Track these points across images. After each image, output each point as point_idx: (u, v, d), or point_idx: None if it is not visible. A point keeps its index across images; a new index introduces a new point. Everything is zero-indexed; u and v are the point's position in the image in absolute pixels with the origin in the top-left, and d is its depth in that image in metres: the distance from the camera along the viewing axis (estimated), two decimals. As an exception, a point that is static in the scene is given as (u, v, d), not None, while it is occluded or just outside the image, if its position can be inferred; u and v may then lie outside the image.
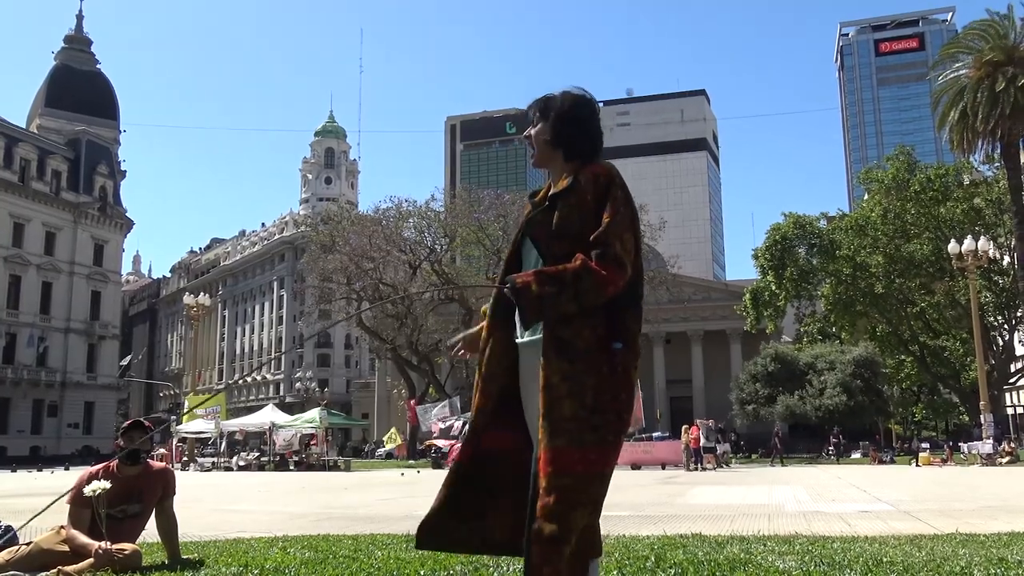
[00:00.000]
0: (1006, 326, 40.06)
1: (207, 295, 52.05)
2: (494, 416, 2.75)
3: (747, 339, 51.48)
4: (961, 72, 31.14)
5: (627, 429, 2.65)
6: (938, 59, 36.18)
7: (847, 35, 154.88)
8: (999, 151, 31.04)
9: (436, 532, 2.77)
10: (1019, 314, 39.29)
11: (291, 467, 31.60)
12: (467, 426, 2.85)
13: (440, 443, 33.49)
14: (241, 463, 33.21)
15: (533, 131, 2.84)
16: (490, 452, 2.74)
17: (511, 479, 2.72)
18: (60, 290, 63.05)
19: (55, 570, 4.28)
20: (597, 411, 2.51)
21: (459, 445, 28.43)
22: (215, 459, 35.10)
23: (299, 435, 35.00)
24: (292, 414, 42.03)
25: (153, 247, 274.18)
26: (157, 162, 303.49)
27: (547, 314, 2.57)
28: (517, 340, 2.78)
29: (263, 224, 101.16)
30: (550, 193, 2.78)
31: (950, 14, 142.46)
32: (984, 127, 29.29)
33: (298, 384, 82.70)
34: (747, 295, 42.72)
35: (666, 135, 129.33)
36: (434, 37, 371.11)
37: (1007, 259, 37.40)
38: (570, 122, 2.79)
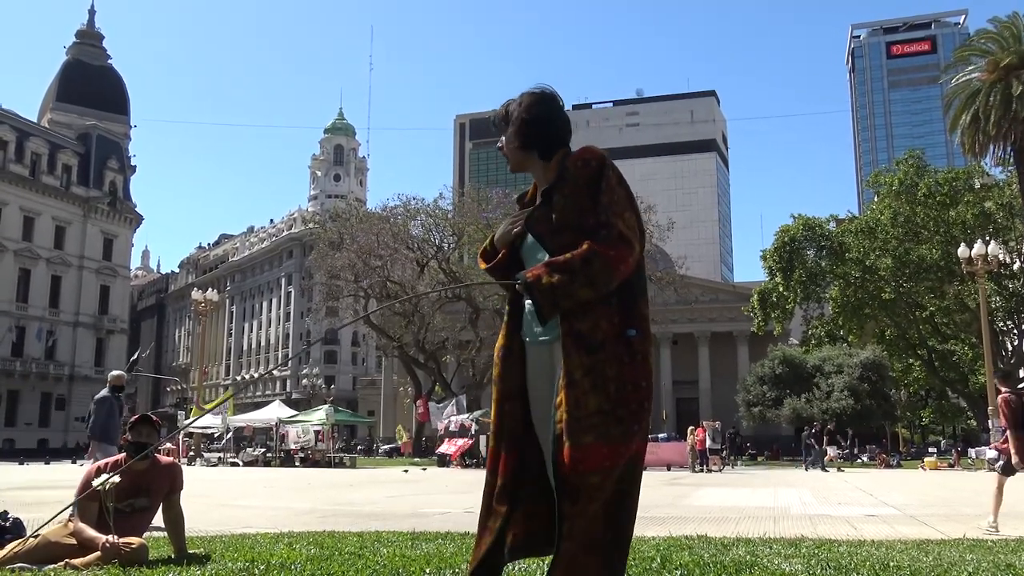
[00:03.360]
0: (1015, 331, 39.86)
1: (215, 291, 52.22)
2: (518, 428, 2.74)
3: (754, 341, 51.37)
4: (973, 75, 30.96)
5: (649, 416, 2.63)
6: (951, 62, 36.00)
7: (858, 37, 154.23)
8: (1011, 155, 30.88)
9: (491, 568, 2.71)
10: (1029, 319, 39.09)
11: (297, 463, 31.69)
12: (492, 441, 2.83)
13: (445, 447, 33.27)
14: (247, 459, 33.32)
15: (503, 139, 2.84)
16: (516, 463, 2.72)
17: (526, 483, 2.71)
18: (69, 284, 63.34)
19: (62, 563, 4.30)
20: (621, 403, 2.51)
21: (468, 443, 27.95)
22: (221, 454, 35.23)
23: (311, 432, 35.04)
24: (299, 410, 42.19)
25: (162, 242, 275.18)
26: (167, 157, 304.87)
27: (562, 304, 2.55)
28: (525, 340, 2.77)
29: (271, 220, 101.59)
30: (543, 188, 2.78)
31: (962, 17, 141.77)
32: (996, 131, 29.12)
33: (305, 381, 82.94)
34: (755, 297, 42.64)
35: (675, 136, 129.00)
36: (443, 36, 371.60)
37: (1017, 263, 37.21)
38: (533, 123, 2.79)
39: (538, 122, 2.78)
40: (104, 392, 9.72)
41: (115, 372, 10.07)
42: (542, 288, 2.53)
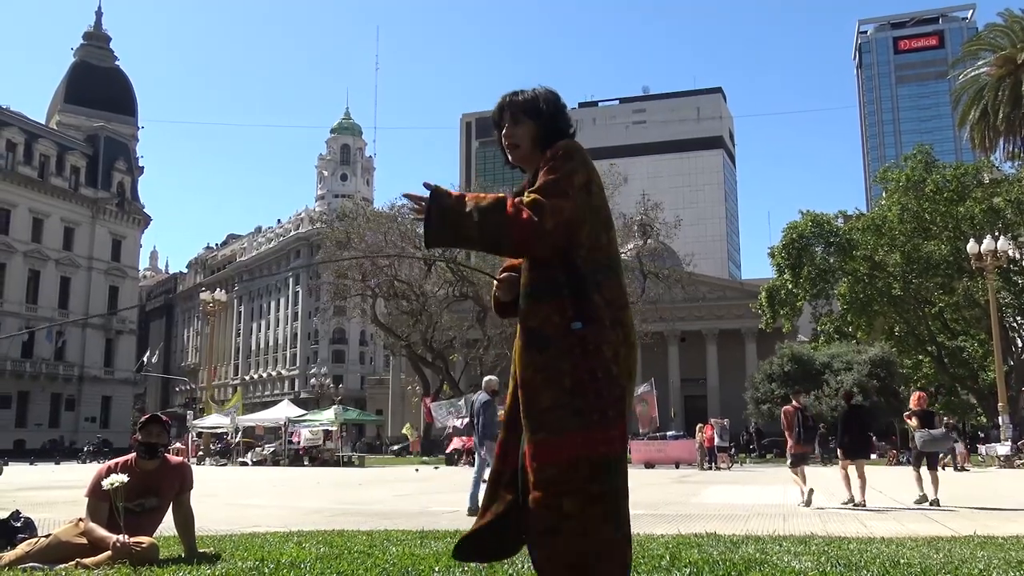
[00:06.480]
0: (1025, 326, 39.64)
1: (223, 291, 52.36)
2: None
3: (762, 338, 51.21)
4: (982, 70, 30.81)
5: (614, 407, 2.51)
6: (959, 56, 35.86)
7: (866, 33, 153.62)
8: (1021, 150, 30.71)
9: (479, 547, 2.73)
10: (1038, 315, 38.84)
11: (305, 463, 31.78)
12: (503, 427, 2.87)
13: (457, 444, 33.26)
14: (256, 458, 33.41)
15: (517, 130, 2.77)
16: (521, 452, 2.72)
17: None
18: (78, 285, 63.61)
19: (73, 562, 4.32)
20: (577, 394, 2.47)
21: (470, 441, 27.84)
22: (229, 457, 35.34)
23: (321, 431, 35.12)
24: (307, 410, 42.32)
25: (170, 243, 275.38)
26: (174, 158, 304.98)
27: (449, 232, 2.54)
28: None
29: (279, 220, 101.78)
30: (527, 187, 2.76)
31: (970, 12, 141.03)
32: (1006, 125, 29.01)
33: (313, 380, 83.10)
34: (763, 294, 42.49)
35: (682, 133, 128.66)
36: (449, 34, 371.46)
37: (1026, 259, 36.97)
38: (557, 119, 2.79)
39: (561, 119, 2.80)
40: (485, 396, 10.55)
41: (491, 377, 11.04)
42: (441, 203, 2.52)
